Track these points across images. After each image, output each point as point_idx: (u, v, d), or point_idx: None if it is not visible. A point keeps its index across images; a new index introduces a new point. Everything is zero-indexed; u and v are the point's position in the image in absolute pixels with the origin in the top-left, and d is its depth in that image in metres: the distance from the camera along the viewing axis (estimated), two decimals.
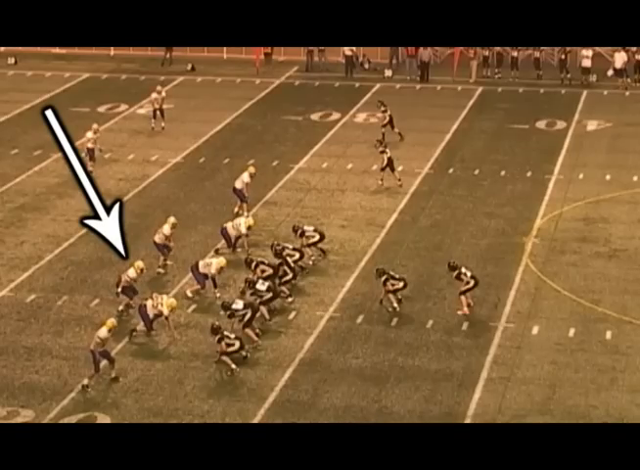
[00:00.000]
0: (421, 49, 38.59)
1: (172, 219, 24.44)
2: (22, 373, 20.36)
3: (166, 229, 24.20)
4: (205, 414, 19.04)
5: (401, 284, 22.41)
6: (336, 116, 35.13)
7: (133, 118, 34.37)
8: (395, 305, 22.37)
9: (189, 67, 40.44)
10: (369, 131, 33.53)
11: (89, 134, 29.80)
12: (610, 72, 37.83)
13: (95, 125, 30.42)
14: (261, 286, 22.04)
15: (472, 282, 22.20)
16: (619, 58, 37.66)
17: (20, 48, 41.77)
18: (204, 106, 36.25)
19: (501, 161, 31.02)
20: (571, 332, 21.58)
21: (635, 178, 29.43)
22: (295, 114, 35.25)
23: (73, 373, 20.25)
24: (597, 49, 39.17)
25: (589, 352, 20.84)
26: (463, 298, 22.26)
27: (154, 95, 33.54)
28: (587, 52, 38.00)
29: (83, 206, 27.58)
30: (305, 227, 24.58)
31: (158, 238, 24.20)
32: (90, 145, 29.65)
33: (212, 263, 22.87)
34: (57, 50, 42.09)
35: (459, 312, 22.16)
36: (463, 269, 22.32)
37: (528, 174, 30.00)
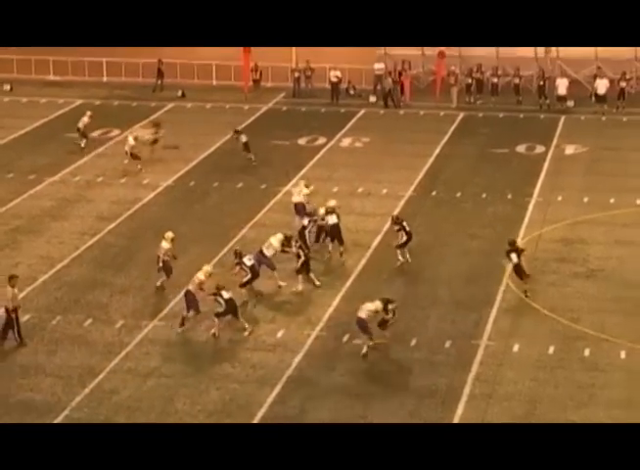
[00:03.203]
0: (382, 78, 39.45)
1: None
2: (16, 391, 20.69)
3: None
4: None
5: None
6: (322, 140, 35.78)
7: (125, 143, 34.92)
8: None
9: (179, 93, 41.02)
10: (354, 155, 34.20)
11: (130, 140, 32.21)
12: (593, 99, 38.37)
13: (135, 133, 32.95)
14: (247, 261, 23.54)
15: (405, 238, 25.55)
16: (602, 85, 38.03)
17: (15, 75, 42.47)
18: (194, 131, 36.82)
19: (482, 184, 31.57)
20: (551, 349, 21.99)
21: (612, 200, 29.98)
22: (282, 138, 35.90)
23: (67, 391, 20.58)
24: (574, 76, 39.91)
25: (568, 370, 21.23)
26: (399, 250, 25.60)
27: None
28: (562, 80, 38.62)
29: (77, 228, 28.71)
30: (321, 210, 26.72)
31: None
32: (131, 150, 32.08)
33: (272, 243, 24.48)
34: (51, 77, 42.75)
35: (398, 264, 25.31)
36: (404, 223, 25.50)
37: (509, 197, 30.60)
